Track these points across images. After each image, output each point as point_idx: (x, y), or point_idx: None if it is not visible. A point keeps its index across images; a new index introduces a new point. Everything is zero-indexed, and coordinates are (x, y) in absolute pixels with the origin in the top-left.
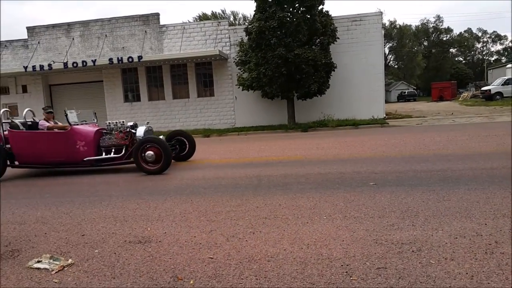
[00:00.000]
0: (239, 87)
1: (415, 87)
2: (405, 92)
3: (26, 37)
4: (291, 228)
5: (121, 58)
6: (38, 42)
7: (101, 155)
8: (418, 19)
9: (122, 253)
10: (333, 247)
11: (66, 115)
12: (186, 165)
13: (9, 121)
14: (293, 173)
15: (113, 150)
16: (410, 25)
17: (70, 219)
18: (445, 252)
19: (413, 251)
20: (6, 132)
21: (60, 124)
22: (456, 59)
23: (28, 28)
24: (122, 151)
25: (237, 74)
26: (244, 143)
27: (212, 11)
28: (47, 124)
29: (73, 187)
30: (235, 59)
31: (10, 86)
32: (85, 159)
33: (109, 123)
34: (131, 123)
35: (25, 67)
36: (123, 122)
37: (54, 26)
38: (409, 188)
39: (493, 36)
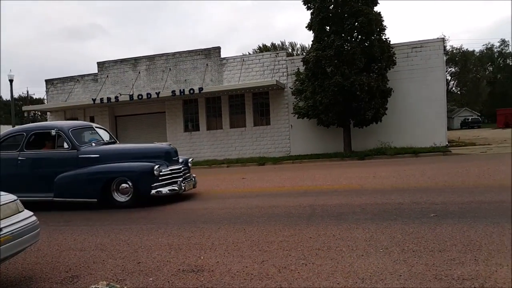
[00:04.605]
0: (294, 116)
1: (479, 114)
2: (468, 119)
3: (96, 71)
4: (345, 260)
5: (183, 90)
6: (107, 76)
7: None
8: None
9: (176, 281)
10: (390, 282)
11: None
12: (241, 193)
13: None
14: (348, 203)
15: None
16: (473, 50)
17: (128, 246)
18: None
19: (475, 287)
20: None
21: None
22: None
23: (98, 63)
24: None
25: (293, 103)
26: (299, 171)
27: (272, 43)
28: None
29: (131, 215)
30: (292, 88)
31: (79, 117)
32: None
33: None
34: None
35: (94, 100)
36: None
37: (122, 61)
38: (471, 221)
39: None
